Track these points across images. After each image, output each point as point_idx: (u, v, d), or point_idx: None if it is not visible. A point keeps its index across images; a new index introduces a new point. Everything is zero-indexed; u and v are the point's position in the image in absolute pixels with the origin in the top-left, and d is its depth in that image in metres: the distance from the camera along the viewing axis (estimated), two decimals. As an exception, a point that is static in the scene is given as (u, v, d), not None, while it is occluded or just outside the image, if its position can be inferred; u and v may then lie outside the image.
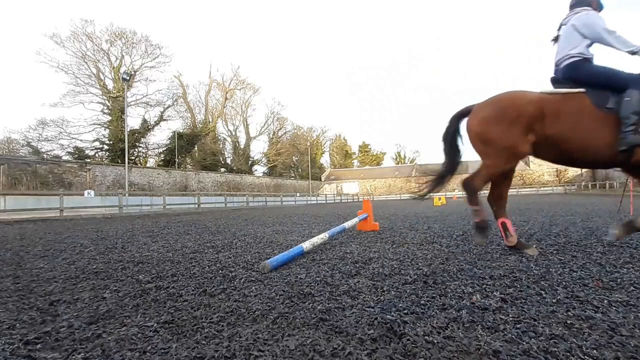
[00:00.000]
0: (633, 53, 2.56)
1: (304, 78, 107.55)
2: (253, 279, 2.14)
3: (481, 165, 2.86)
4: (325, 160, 69.50)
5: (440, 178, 3.22)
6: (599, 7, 2.89)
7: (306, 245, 2.80)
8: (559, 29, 2.95)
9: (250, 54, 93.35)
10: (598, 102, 2.60)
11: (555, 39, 2.97)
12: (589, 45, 2.76)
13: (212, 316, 1.49)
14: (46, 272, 2.56)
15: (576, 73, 2.75)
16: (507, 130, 2.71)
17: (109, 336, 1.31)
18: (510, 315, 1.38)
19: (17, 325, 1.46)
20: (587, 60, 2.74)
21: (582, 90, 2.69)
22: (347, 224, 3.98)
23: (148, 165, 35.57)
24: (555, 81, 2.93)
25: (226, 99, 45.87)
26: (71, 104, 31.64)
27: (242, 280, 2.11)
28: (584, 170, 45.32)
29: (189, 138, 38.47)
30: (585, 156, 2.69)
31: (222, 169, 43.30)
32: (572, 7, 2.91)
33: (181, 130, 38.75)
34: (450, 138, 3.21)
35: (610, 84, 2.62)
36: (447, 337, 1.20)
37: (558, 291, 1.68)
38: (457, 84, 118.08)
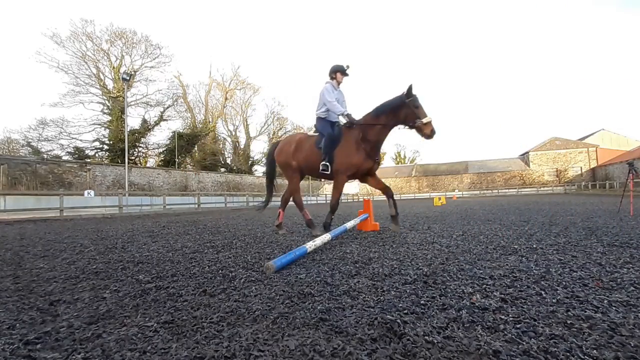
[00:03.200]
0: (341, 115, 4.25)
1: (304, 78, 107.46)
2: (253, 279, 2.14)
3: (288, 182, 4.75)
4: (325, 160, 69.23)
5: (269, 189, 5.21)
6: (344, 75, 4.50)
7: (309, 245, 2.80)
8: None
9: (250, 54, 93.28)
10: (316, 144, 4.42)
11: None
12: (326, 108, 4.39)
13: (212, 316, 1.49)
14: (46, 272, 2.56)
15: (317, 125, 4.55)
16: (285, 159, 4.65)
17: (109, 336, 1.31)
18: (510, 315, 1.38)
19: (17, 325, 1.46)
20: (322, 119, 4.47)
21: (316, 134, 4.55)
22: (348, 224, 3.98)
23: (148, 165, 35.53)
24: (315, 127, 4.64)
25: (226, 99, 45.81)
26: (71, 104, 31.58)
27: (242, 280, 2.11)
28: (584, 170, 45.45)
29: (189, 138, 38.38)
30: (310, 172, 4.61)
31: (222, 169, 43.22)
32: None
33: (181, 130, 38.65)
34: (270, 161, 5.03)
35: (322, 133, 4.36)
36: (447, 337, 1.20)
37: (558, 291, 1.68)
38: (456, 83, 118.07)
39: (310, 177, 53.08)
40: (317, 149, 4.33)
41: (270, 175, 5.18)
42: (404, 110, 3.92)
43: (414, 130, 3.95)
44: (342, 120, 4.23)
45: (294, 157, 4.54)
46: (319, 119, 4.47)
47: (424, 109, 3.89)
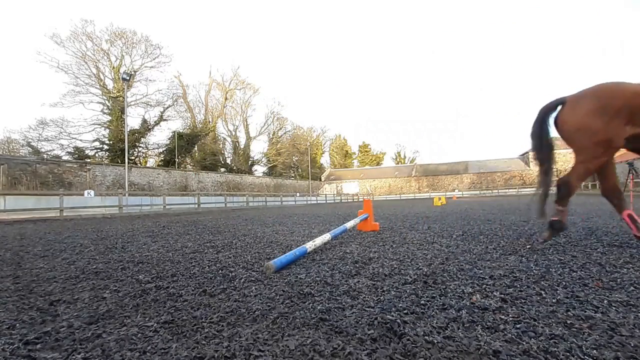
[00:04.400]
0: None
1: (304, 78, 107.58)
2: (253, 279, 2.14)
3: (576, 162, 2.76)
4: (325, 160, 69.52)
5: (546, 175, 3.01)
6: None
7: (309, 245, 2.80)
8: None
9: (250, 54, 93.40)
10: None
11: None
12: None
13: (212, 316, 1.49)
14: (46, 272, 2.56)
15: None
16: (609, 122, 2.55)
17: (109, 336, 1.31)
18: (510, 315, 1.38)
19: (17, 325, 1.46)
20: None
21: None
22: (348, 224, 3.98)
23: (148, 165, 35.56)
24: None
25: (226, 99, 45.86)
26: (71, 104, 31.61)
27: (242, 280, 2.11)
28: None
29: (189, 138, 38.41)
30: None
31: (222, 169, 43.27)
32: None
33: (181, 130, 38.70)
34: (542, 133, 3.04)
35: None
36: (447, 337, 1.20)
37: (558, 291, 1.68)
38: (456, 83, 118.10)
39: (310, 175, 53.39)
40: None
41: (550, 155, 3.04)
42: None
43: None
44: None
45: (632, 120, 2.55)
46: None
47: None
